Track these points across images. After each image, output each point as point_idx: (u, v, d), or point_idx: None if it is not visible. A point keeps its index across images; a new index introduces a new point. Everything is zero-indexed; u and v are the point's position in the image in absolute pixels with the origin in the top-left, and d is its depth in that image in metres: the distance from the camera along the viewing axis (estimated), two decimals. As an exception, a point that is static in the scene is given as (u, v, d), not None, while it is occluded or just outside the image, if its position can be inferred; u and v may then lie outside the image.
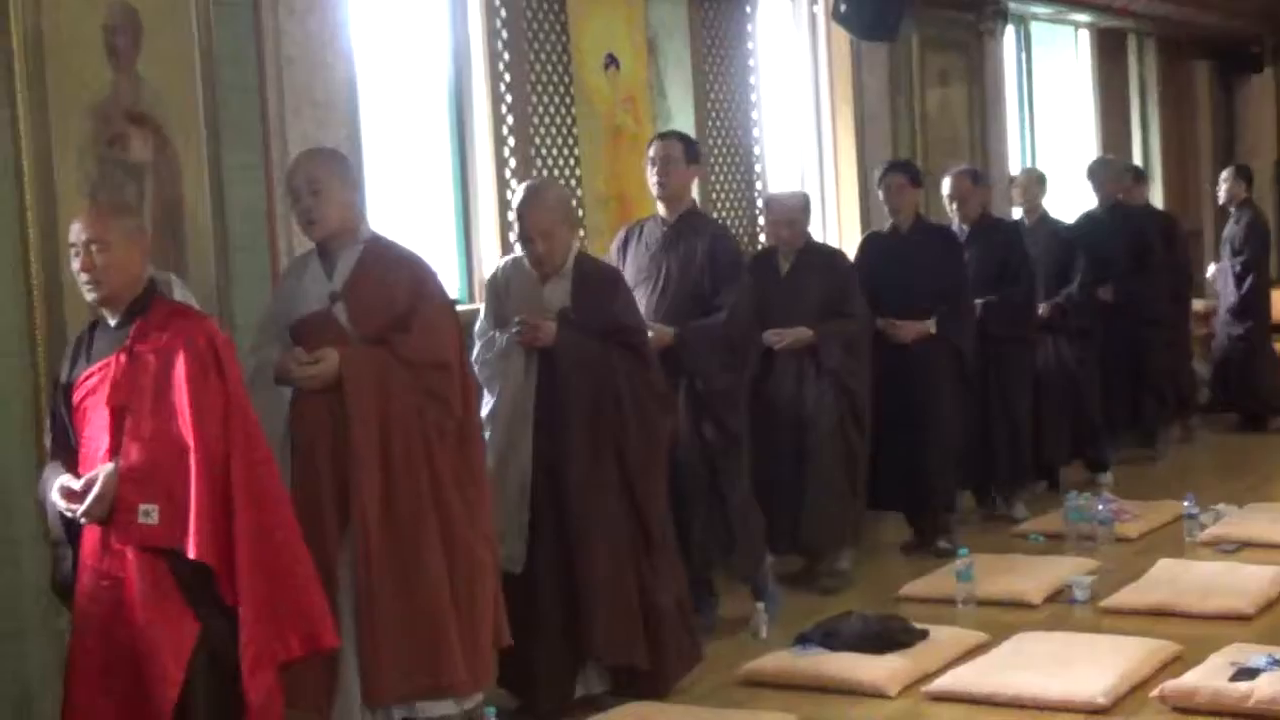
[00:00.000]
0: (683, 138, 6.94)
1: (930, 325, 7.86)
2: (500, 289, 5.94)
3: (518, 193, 6.02)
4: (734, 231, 8.57)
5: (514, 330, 5.70)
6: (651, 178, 6.70)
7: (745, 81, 9.10)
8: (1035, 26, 12.41)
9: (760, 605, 6.64)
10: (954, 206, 8.71)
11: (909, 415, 7.79)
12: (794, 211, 7.50)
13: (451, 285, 6.26)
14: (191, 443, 4.30)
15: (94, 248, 4.40)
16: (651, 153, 6.75)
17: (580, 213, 7.69)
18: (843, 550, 7.50)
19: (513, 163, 7.46)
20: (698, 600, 6.41)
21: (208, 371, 4.37)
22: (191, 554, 4.27)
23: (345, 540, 4.93)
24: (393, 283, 5.05)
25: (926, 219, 8.41)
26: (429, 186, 7.41)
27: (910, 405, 7.79)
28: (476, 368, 5.60)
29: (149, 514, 4.29)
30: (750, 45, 9.16)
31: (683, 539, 6.29)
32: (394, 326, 5.01)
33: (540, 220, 5.78)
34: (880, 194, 8.22)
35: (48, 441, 4.62)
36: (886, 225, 8.28)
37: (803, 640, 6.24)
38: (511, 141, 7.46)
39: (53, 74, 5.22)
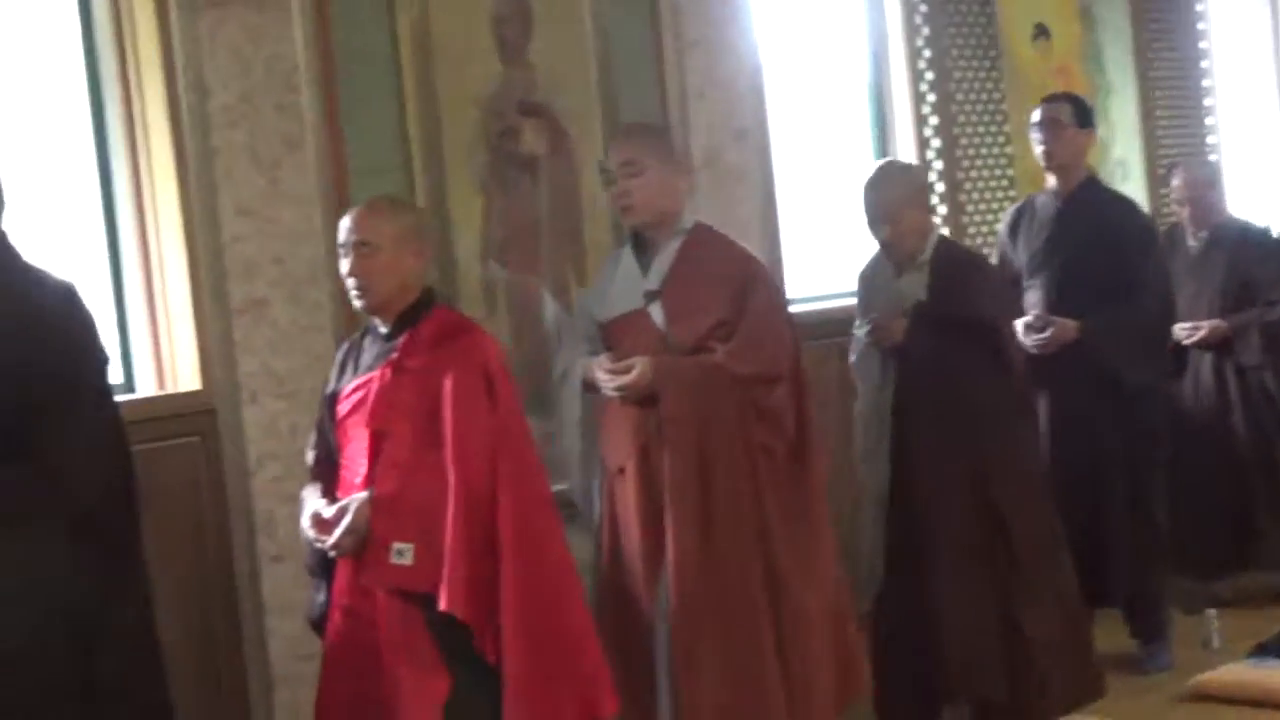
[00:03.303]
0: (1072, 99, 6.20)
1: None
2: (867, 283, 5.41)
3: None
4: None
5: (865, 329, 5.24)
6: (1037, 146, 6.00)
7: (1194, 50, 8.44)
8: None
9: (1211, 612, 6.04)
10: None
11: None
12: (1195, 185, 6.76)
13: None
14: (452, 477, 3.86)
15: (362, 250, 4.01)
16: (1036, 117, 6.05)
17: (1011, 192, 7.24)
18: None
19: (936, 143, 7.08)
20: (1144, 617, 5.87)
21: (477, 396, 3.92)
22: (442, 605, 3.81)
23: (660, 582, 4.43)
24: (716, 281, 4.50)
25: None
26: (845, 172, 7.10)
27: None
28: (853, 368, 5.17)
29: (402, 554, 3.88)
30: (1200, 8, 8.50)
31: (1100, 551, 5.68)
32: (716, 332, 4.47)
33: (883, 202, 5.19)
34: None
35: (309, 457, 4.29)
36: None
37: (1261, 651, 5.65)
38: (934, 120, 7.07)
39: (440, 68, 5.13)
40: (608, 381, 4.47)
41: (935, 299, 5.18)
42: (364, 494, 3.95)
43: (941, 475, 5.06)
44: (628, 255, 4.65)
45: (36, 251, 4.53)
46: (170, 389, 4.71)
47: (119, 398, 4.58)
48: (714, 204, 5.85)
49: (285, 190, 4.73)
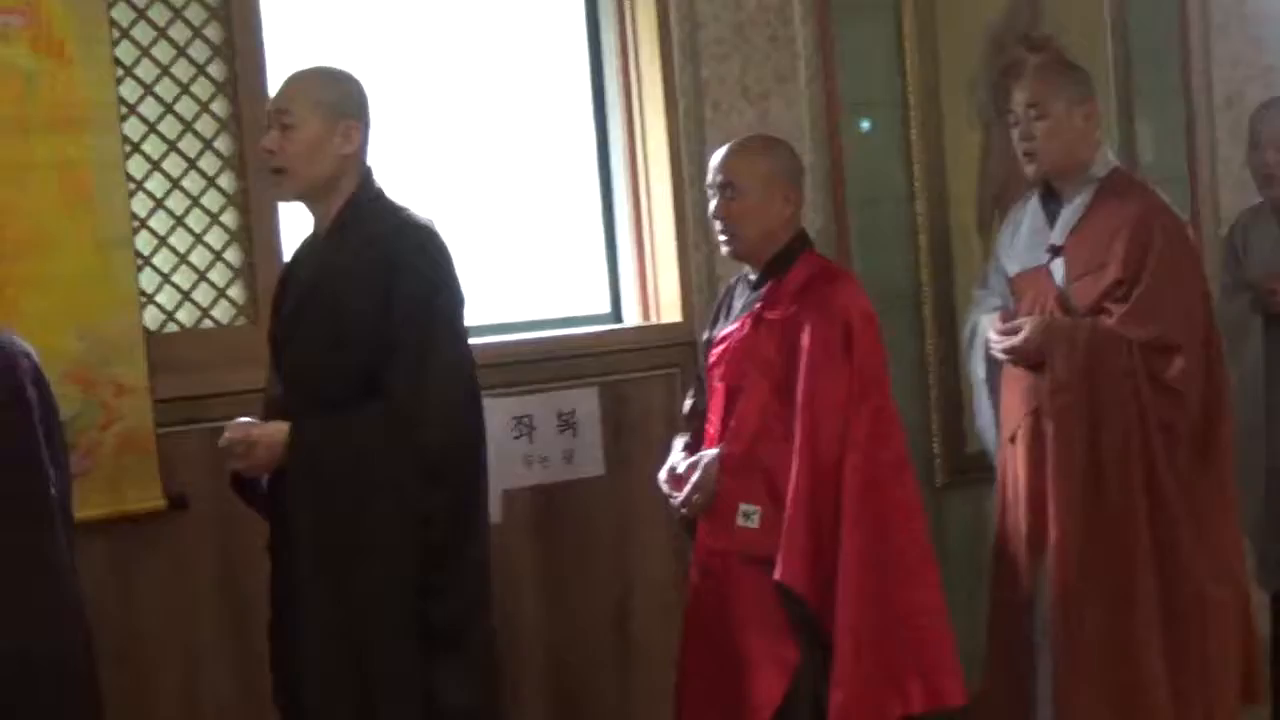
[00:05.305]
0: None
1: None
2: (1238, 241, 4.82)
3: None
4: None
5: (1247, 293, 4.65)
6: None
7: None
8: None
9: None
10: None
11: None
12: None
13: None
14: (799, 438, 3.64)
15: (728, 193, 3.79)
16: None
17: None
18: None
19: None
20: None
21: (834, 352, 3.65)
22: (777, 575, 3.61)
23: (1041, 562, 4.06)
24: (1118, 236, 4.02)
25: None
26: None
27: None
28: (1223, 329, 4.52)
29: (750, 516, 3.69)
30: None
31: None
32: (1113, 292, 4.02)
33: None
34: None
35: (685, 405, 4.13)
36: None
37: None
38: None
39: (942, 1, 4.99)
40: (996, 343, 4.16)
41: None
42: (714, 451, 3.80)
43: None
44: (1035, 206, 4.27)
45: (535, 182, 4.70)
46: (654, 320, 4.74)
47: (606, 328, 4.72)
48: (1234, 148, 5.48)
49: (772, 123, 4.66)
